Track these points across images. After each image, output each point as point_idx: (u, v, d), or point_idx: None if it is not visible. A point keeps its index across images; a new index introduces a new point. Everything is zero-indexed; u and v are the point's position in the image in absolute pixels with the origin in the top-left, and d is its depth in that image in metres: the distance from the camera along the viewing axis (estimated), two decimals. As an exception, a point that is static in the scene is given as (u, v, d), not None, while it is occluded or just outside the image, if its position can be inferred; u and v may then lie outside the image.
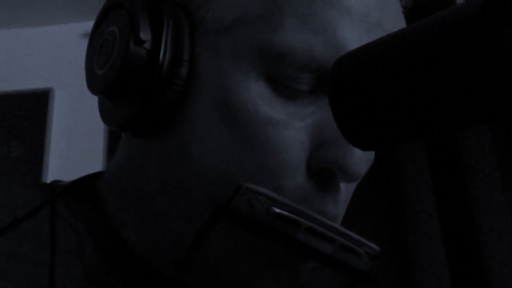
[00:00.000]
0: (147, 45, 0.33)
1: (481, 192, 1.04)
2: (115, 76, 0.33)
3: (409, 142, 0.24)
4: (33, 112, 1.80)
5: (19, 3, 1.82)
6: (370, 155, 0.34)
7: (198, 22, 0.35)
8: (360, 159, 0.32)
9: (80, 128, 1.78)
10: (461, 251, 1.04)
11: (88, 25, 0.41)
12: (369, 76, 0.23)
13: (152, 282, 0.38)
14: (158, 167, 0.36)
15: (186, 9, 0.35)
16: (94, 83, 0.36)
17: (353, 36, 0.32)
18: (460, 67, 0.19)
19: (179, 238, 0.36)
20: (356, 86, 0.23)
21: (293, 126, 0.33)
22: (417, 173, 1.12)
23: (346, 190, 0.35)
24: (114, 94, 0.35)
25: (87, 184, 0.42)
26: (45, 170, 1.73)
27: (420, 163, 1.13)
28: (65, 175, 0.56)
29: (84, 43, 0.38)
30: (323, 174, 0.33)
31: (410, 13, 0.38)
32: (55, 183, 0.43)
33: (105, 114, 0.37)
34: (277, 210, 0.31)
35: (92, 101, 0.38)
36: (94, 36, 0.37)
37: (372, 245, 0.34)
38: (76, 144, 1.78)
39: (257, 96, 0.32)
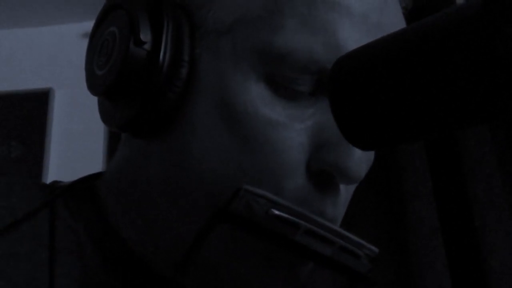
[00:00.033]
0: (147, 46, 0.33)
1: (481, 192, 1.04)
2: (115, 77, 0.33)
3: (409, 142, 0.24)
4: (33, 112, 1.81)
5: (19, 3, 1.82)
6: (370, 157, 0.34)
7: (198, 23, 0.35)
8: (360, 162, 0.32)
9: (80, 128, 1.78)
10: (461, 251, 1.04)
11: (88, 25, 0.41)
12: (369, 76, 0.23)
13: (151, 282, 0.38)
14: (158, 167, 0.36)
15: (186, 10, 0.35)
16: (94, 84, 0.36)
17: (353, 38, 0.32)
18: (460, 67, 0.19)
19: (178, 238, 0.36)
20: (356, 86, 0.23)
21: (293, 128, 0.33)
22: (417, 173, 1.12)
23: (345, 191, 0.35)
24: (114, 95, 0.34)
25: (87, 185, 0.42)
26: (45, 170, 1.73)
27: (420, 163, 1.13)
28: (65, 175, 0.56)
29: (84, 43, 0.38)
30: (322, 175, 0.33)
31: (410, 14, 0.38)
32: (54, 183, 0.43)
33: (105, 115, 0.37)
34: (276, 212, 0.31)
35: (92, 101, 0.38)
36: (94, 37, 0.37)
37: (372, 247, 0.34)
38: (76, 144, 1.78)
39: (257, 97, 0.32)
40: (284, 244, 0.31)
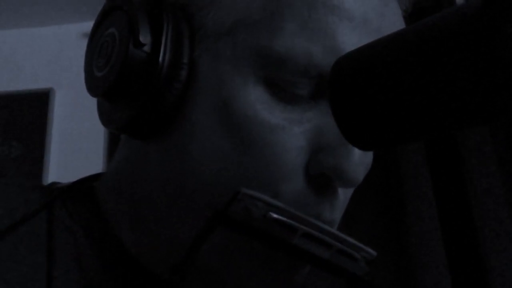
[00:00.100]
0: (146, 48, 0.33)
1: (481, 192, 1.04)
2: (114, 78, 0.33)
3: (409, 142, 0.24)
4: (34, 112, 1.81)
5: (19, 3, 1.82)
6: (368, 161, 0.34)
7: (198, 24, 0.34)
8: (358, 166, 0.32)
9: (80, 128, 1.78)
10: (461, 252, 1.04)
11: (88, 25, 0.41)
12: (369, 76, 0.23)
13: (149, 284, 0.38)
14: (157, 169, 0.36)
15: (186, 12, 0.35)
16: (93, 85, 0.36)
17: (353, 41, 0.32)
18: (460, 67, 0.19)
19: (176, 240, 0.36)
20: (356, 86, 0.23)
21: (291, 131, 0.32)
22: (417, 173, 1.12)
23: (343, 194, 0.35)
24: (113, 96, 0.34)
25: (85, 186, 0.42)
26: (45, 170, 1.73)
27: (420, 163, 1.13)
28: (65, 175, 0.56)
29: (84, 43, 0.38)
30: (321, 179, 0.33)
31: (410, 18, 0.38)
32: (53, 185, 0.43)
33: (104, 116, 0.37)
34: (275, 216, 0.31)
35: (92, 101, 0.38)
36: (93, 38, 0.37)
37: (369, 249, 0.34)
38: (76, 144, 1.78)
39: (256, 100, 0.32)
40: (282, 247, 0.31)
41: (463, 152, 1.07)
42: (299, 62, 0.31)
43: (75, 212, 0.40)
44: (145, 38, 0.33)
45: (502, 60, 0.18)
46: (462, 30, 0.19)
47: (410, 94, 0.21)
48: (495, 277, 0.98)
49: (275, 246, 0.30)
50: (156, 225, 0.37)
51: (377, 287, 0.32)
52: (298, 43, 0.32)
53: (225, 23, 0.34)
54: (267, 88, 0.33)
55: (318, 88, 0.33)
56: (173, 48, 0.33)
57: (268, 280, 0.34)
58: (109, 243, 0.39)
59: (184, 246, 0.30)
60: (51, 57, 1.90)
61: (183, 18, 0.34)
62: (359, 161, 0.32)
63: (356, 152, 0.32)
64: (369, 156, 0.34)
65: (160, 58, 0.33)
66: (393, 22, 0.35)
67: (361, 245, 0.34)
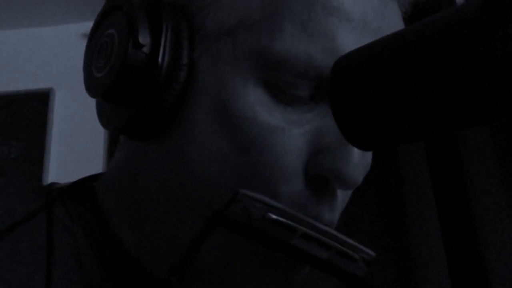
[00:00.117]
0: (146, 49, 0.33)
1: (481, 192, 1.04)
2: (113, 79, 0.33)
3: (409, 142, 0.24)
4: (34, 112, 1.81)
5: (19, 3, 1.82)
6: (367, 163, 0.34)
7: (198, 26, 0.34)
8: (357, 167, 0.32)
9: (80, 128, 1.78)
10: (461, 252, 1.04)
11: (88, 25, 0.41)
12: (369, 76, 0.23)
13: (148, 285, 0.38)
14: (156, 170, 0.36)
15: (186, 13, 0.35)
16: (92, 86, 0.36)
17: (352, 43, 0.32)
18: (460, 67, 0.19)
19: (175, 241, 0.36)
20: (356, 86, 0.23)
21: (291, 132, 0.32)
22: (417, 173, 1.12)
23: (342, 196, 0.35)
24: (112, 97, 0.34)
25: (85, 186, 0.42)
26: (45, 170, 1.73)
27: (420, 163, 1.13)
28: (65, 175, 0.56)
29: (84, 43, 0.38)
30: (320, 180, 0.33)
31: (409, 19, 0.38)
32: (52, 185, 0.43)
33: (103, 117, 0.37)
34: (273, 217, 0.31)
35: (92, 102, 0.38)
36: (92, 38, 0.37)
37: (368, 250, 0.34)
38: (76, 144, 1.78)
39: (256, 101, 0.32)
40: (281, 248, 0.31)
41: (463, 152, 1.07)
42: (299, 63, 0.31)
43: (75, 212, 0.40)
44: (144, 39, 0.33)
45: (502, 60, 0.18)
46: (462, 30, 0.19)
47: (410, 94, 0.21)
48: (495, 277, 0.98)
49: (274, 247, 0.31)
50: (155, 225, 0.37)
51: (376, 287, 0.32)
52: (297, 44, 0.31)
53: (225, 24, 0.34)
54: (266, 89, 0.33)
55: (318, 90, 0.33)
56: (172, 49, 0.33)
57: (267, 280, 0.34)
58: (109, 243, 0.39)
59: (183, 246, 0.30)
60: (51, 57, 1.90)
61: (183, 19, 0.34)
62: (358, 163, 0.32)
63: (355, 154, 0.32)
64: (368, 158, 0.34)
65: (160, 59, 0.33)
66: (392, 22, 0.35)
67: (360, 246, 0.34)
